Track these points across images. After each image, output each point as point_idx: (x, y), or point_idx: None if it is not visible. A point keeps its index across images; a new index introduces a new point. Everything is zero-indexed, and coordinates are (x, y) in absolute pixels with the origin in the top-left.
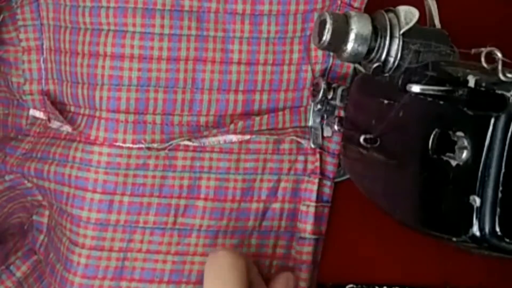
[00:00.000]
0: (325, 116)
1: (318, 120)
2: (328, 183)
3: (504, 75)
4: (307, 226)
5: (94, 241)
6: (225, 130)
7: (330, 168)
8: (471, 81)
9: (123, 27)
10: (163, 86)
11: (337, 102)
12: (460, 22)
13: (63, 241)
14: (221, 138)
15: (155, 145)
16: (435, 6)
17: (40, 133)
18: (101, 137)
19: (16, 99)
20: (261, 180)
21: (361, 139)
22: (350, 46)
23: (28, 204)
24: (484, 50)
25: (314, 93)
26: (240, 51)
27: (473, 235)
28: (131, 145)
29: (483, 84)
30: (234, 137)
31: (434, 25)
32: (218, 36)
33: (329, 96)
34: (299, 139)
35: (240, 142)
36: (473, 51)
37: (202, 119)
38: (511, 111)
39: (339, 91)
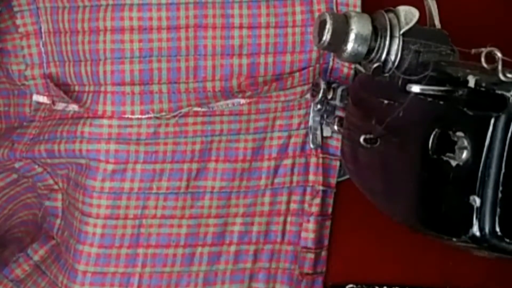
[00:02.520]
0: (325, 116)
1: (317, 120)
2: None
3: (504, 75)
4: (317, 177)
5: (108, 210)
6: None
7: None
8: (471, 81)
9: (120, 1)
10: (166, 55)
11: (337, 102)
12: (460, 22)
13: (75, 215)
14: (230, 101)
15: (163, 114)
16: (435, 6)
17: (45, 117)
18: (108, 111)
19: (17, 88)
20: (271, 138)
21: (361, 139)
22: (350, 46)
23: (29, 201)
24: (484, 50)
25: (314, 93)
26: (240, 15)
27: (473, 235)
28: (140, 116)
29: (483, 84)
30: (242, 100)
31: (434, 25)
32: (217, 1)
33: (329, 96)
34: (307, 96)
35: (249, 103)
36: (473, 51)
37: (209, 84)
38: (511, 111)
39: (339, 91)
